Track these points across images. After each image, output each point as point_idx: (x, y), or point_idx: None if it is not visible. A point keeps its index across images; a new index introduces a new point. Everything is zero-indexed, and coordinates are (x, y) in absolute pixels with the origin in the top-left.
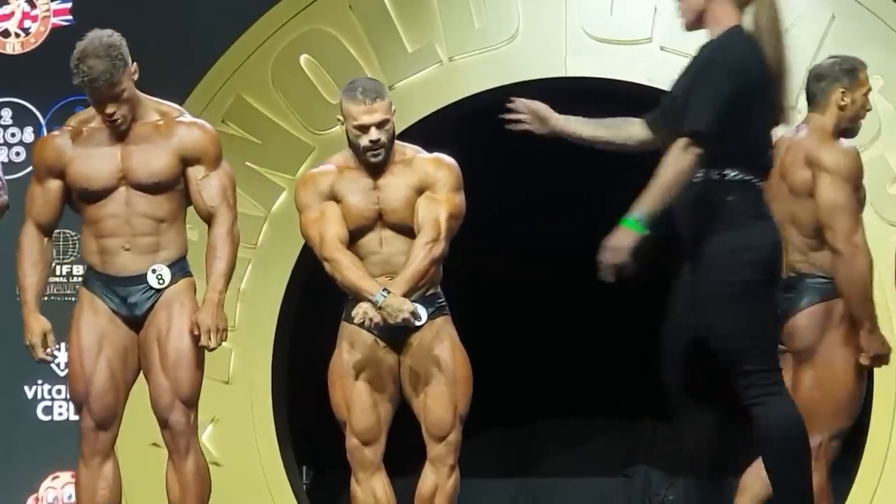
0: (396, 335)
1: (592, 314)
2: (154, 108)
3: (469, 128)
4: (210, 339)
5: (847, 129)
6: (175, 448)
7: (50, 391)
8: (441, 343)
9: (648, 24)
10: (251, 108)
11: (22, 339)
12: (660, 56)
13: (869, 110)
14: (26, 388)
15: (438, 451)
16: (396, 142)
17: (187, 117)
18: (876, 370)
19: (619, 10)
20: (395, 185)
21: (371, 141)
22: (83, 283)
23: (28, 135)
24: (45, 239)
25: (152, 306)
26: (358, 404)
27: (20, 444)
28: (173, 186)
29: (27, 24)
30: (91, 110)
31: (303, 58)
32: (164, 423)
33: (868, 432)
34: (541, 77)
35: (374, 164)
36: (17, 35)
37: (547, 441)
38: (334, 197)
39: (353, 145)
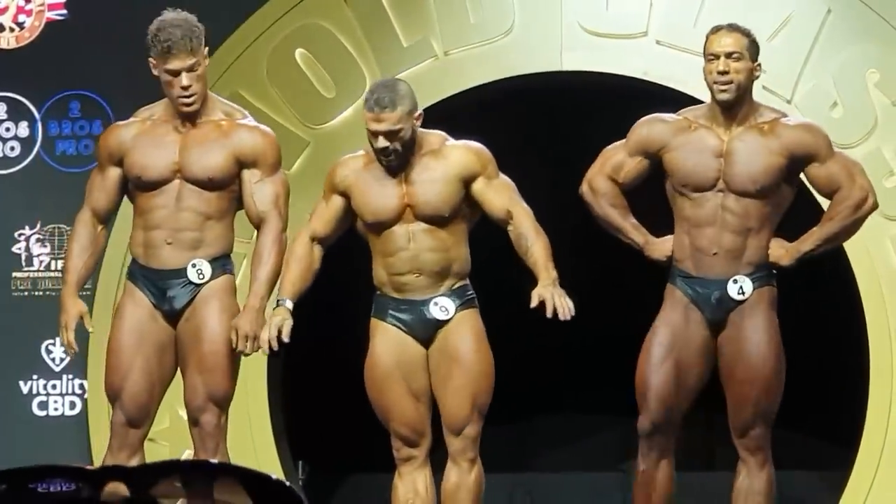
0: (425, 329)
1: (589, 308)
2: (220, 107)
3: (464, 122)
4: (246, 345)
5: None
6: (203, 448)
7: (45, 386)
8: (464, 336)
9: (644, 17)
10: (246, 103)
11: (17, 335)
12: (656, 50)
13: (722, 72)
14: (21, 383)
15: (456, 445)
16: (423, 131)
17: (251, 121)
18: (872, 368)
19: (615, 4)
20: (426, 179)
21: (379, 148)
22: (128, 275)
23: (23, 129)
24: (100, 226)
25: (190, 301)
26: (396, 406)
27: (15, 440)
28: (226, 186)
29: (21, 18)
30: (158, 104)
31: (298, 52)
32: (194, 422)
33: (864, 428)
34: (536, 71)
35: (389, 166)
36: (12, 29)
37: (543, 436)
38: (345, 192)
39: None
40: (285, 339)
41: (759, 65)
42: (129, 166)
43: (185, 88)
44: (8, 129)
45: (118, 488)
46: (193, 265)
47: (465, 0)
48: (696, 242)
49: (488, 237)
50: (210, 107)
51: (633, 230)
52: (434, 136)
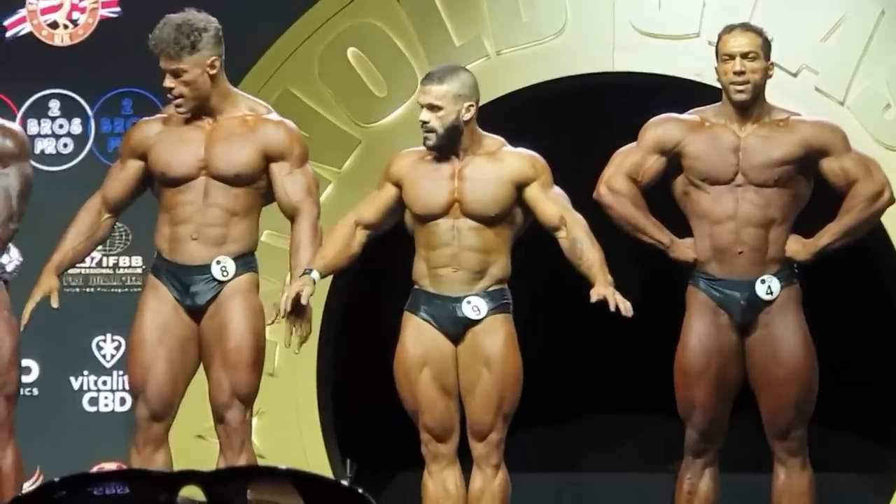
0: (455, 326)
1: (636, 307)
2: (244, 103)
3: (516, 122)
4: (296, 327)
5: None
6: (229, 445)
7: (96, 382)
8: (494, 340)
9: (697, 18)
10: (298, 101)
11: (68, 331)
12: (708, 51)
13: (739, 73)
14: (72, 378)
15: (480, 450)
16: (483, 133)
17: (275, 116)
18: None
19: (668, 4)
20: (479, 178)
21: (420, 120)
22: (151, 270)
23: (76, 126)
24: (107, 215)
25: (213, 298)
26: (426, 400)
27: (66, 435)
28: (253, 181)
29: (76, 15)
30: None
31: (350, 51)
32: (220, 419)
33: None
34: (588, 72)
35: (427, 146)
36: (66, 27)
37: (590, 436)
38: (398, 182)
39: None
40: (304, 302)
41: (773, 64)
42: (153, 162)
43: (168, 90)
44: (61, 126)
45: (194, 493)
46: (218, 262)
47: (518, 0)
48: (719, 241)
49: (535, 238)
50: (232, 102)
51: (657, 230)
52: (493, 140)
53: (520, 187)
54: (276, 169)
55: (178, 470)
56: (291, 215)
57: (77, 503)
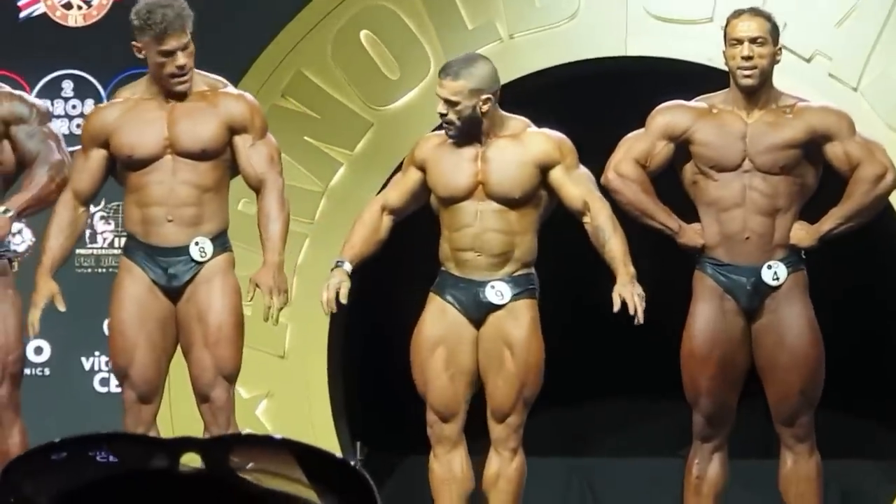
0: (478, 310)
1: (648, 292)
2: (200, 80)
3: (528, 106)
4: (273, 298)
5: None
6: (215, 423)
7: (107, 363)
8: (518, 325)
9: (710, 3)
10: (311, 83)
11: (80, 311)
12: (721, 36)
13: (746, 58)
14: (83, 359)
15: (499, 433)
16: (505, 115)
17: (232, 89)
18: None
19: None
20: (502, 159)
21: (439, 113)
22: (124, 252)
23: (89, 107)
24: (81, 208)
25: (191, 279)
26: (435, 379)
27: (77, 416)
28: (219, 155)
29: None
30: (139, 83)
31: (363, 34)
32: (204, 399)
33: None
34: (601, 56)
35: (449, 136)
36: (80, 7)
37: (601, 421)
38: (422, 166)
39: None
40: (343, 300)
41: (781, 49)
42: (116, 147)
43: (180, 68)
44: (74, 107)
45: (193, 459)
46: (196, 243)
47: None
48: (726, 228)
49: (548, 221)
50: (193, 80)
51: (665, 216)
52: (516, 121)
53: (544, 169)
54: (240, 141)
55: (179, 437)
56: (257, 187)
57: (76, 466)
